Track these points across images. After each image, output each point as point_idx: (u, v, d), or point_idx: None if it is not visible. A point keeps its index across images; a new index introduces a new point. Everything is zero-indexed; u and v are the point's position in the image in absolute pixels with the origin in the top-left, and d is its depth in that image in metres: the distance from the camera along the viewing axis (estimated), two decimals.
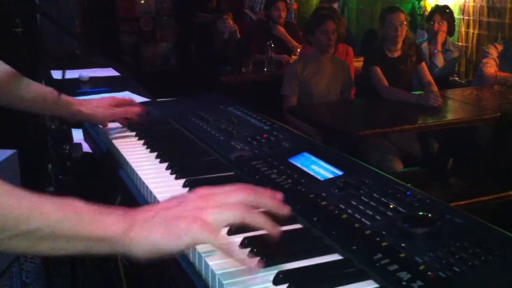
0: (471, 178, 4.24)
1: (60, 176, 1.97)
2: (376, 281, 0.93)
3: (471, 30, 6.03)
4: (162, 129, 1.86)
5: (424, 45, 5.06)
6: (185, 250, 0.92)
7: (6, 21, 3.00)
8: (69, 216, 0.86)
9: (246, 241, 1.02)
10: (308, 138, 1.67)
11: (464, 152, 4.34)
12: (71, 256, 0.89)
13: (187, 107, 2.02)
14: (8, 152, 3.25)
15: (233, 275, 0.93)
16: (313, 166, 1.38)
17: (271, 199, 0.98)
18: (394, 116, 3.96)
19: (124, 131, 1.82)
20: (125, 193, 1.49)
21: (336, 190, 1.24)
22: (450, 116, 3.93)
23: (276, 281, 0.92)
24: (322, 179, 1.31)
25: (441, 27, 5.02)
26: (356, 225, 1.08)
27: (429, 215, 1.06)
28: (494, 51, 4.81)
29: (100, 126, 1.84)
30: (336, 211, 1.14)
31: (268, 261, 0.97)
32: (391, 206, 1.13)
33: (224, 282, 0.92)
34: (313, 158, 1.43)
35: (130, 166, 1.52)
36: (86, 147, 2.07)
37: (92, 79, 3.35)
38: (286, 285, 0.91)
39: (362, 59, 5.20)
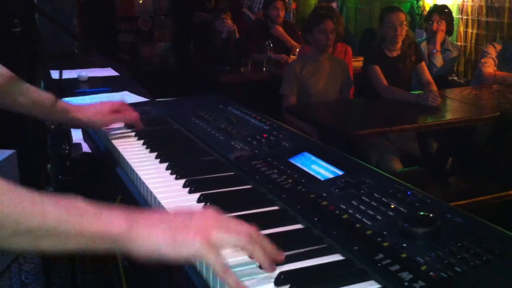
0: (470, 177, 4.24)
1: (60, 176, 1.97)
2: (378, 281, 0.93)
3: (469, 30, 6.03)
4: (162, 129, 1.86)
5: (423, 45, 5.06)
6: (183, 260, 0.92)
7: (5, 21, 2.99)
8: (71, 214, 0.86)
9: None
10: (308, 138, 1.67)
11: (463, 152, 4.34)
12: (73, 253, 0.88)
13: (187, 107, 2.02)
14: (7, 152, 3.25)
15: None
16: (313, 166, 1.38)
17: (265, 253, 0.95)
18: (393, 115, 3.96)
19: (123, 131, 1.82)
20: (125, 193, 1.49)
21: (337, 190, 1.24)
22: (449, 116, 3.93)
23: (277, 282, 0.92)
24: (322, 179, 1.31)
25: (440, 26, 5.01)
26: (357, 225, 1.08)
27: (430, 215, 1.06)
28: (493, 51, 4.81)
29: None
30: (337, 211, 1.14)
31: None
32: (392, 206, 1.13)
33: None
34: (313, 158, 1.43)
35: (130, 166, 1.52)
36: (85, 147, 2.07)
37: (91, 79, 3.34)
38: (288, 286, 0.91)
39: (360, 58, 5.20)
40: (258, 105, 2.22)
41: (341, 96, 4.50)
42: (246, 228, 0.95)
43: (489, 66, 4.74)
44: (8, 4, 3.15)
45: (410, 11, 6.73)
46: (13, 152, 3.27)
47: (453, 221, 1.06)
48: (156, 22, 7.62)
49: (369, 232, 1.05)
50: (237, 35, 6.06)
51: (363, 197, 1.18)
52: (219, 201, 1.22)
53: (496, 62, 4.77)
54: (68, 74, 3.30)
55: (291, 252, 1.01)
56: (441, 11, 5.10)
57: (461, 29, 6.12)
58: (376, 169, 1.37)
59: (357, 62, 5.26)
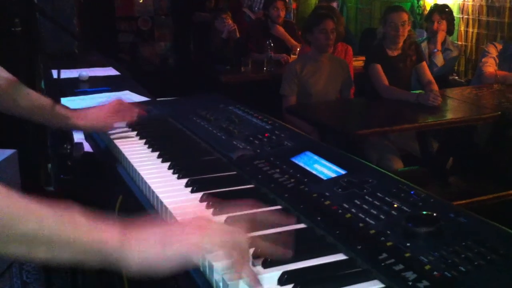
0: (471, 177, 4.24)
1: (61, 176, 1.96)
2: (382, 281, 0.92)
3: (470, 29, 6.02)
4: (163, 128, 1.85)
5: (424, 44, 5.06)
6: (176, 272, 0.92)
7: (5, 20, 2.99)
8: (66, 221, 0.86)
9: None
10: (310, 137, 1.67)
11: (463, 151, 4.33)
12: (68, 265, 0.88)
13: (188, 107, 2.01)
14: (8, 152, 3.24)
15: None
16: (316, 165, 1.38)
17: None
18: (393, 115, 3.96)
19: (125, 131, 1.81)
20: (127, 192, 1.48)
21: (340, 190, 1.23)
22: (449, 115, 3.92)
23: (281, 281, 0.92)
24: (325, 178, 1.31)
25: (441, 26, 5.01)
26: (360, 224, 1.08)
27: (434, 214, 1.05)
28: (493, 50, 4.80)
29: None
30: (340, 211, 1.14)
31: (272, 262, 0.97)
32: (395, 206, 1.12)
33: (229, 282, 0.91)
34: (316, 157, 1.42)
35: (132, 166, 1.51)
36: (87, 147, 2.06)
37: (92, 79, 3.34)
38: (291, 285, 0.91)
39: (361, 58, 5.19)
40: (258, 105, 2.21)
41: (341, 96, 4.49)
42: (232, 243, 0.94)
43: (490, 66, 4.74)
44: (8, 4, 3.15)
45: (411, 10, 6.73)
46: (14, 152, 3.26)
47: (457, 220, 1.06)
48: (156, 22, 7.61)
49: (372, 231, 1.04)
50: (238, 35, 6.05)
51: (366, 197, 1.18)
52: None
53: (497, 61, 4.77)
54: (69, 73, 3.29)
55: (294, 252, 1.01)
56: (442, 10, 5.10)
57: (462, 28, 6.12)
58: (379, 168, 1.37)
59: (358, 62, 5.25)
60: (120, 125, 1.82)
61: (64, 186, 1.95)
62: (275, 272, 0.94)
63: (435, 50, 5.03)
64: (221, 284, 0.94)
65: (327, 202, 1.18)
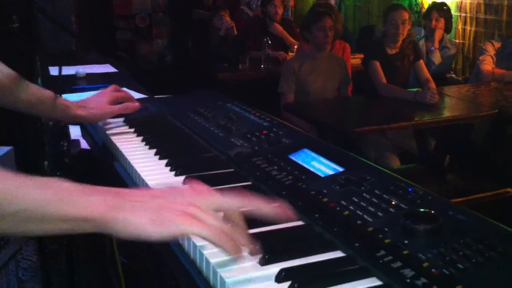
0: (468, 175, 4.25)
1: (58, 173, 1.96)
2: (380, 278, 0.92)
3: (468, 27, 6.03)
4: (161, 125, 1.85)
5: (421, 42, 5.07)
6: (171, 239, 0.92)
7: (3, 17, 2.98)
8: (54, 197, 0.86)
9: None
10: (308, 135, 1.66)
11: (461, 149, 4.34)
12: (60, 234, 0.89)
13: (186, 104, 2.01)
14: (4, 149, 3.23)
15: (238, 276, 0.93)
16: (314, 163, 1.38)
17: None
18: (391, 113, 3.96)
19: (122, 127, 1.81)
20: None
21: (337, 187, 1.23)
22: (447, 113, 3.93)
23: (278, 279, 0.91)
24: (322, 175, 1.30)
25: (438, 24, 5.02)
26: (358, 222, 1.07)
27: (432, 211, 1.05)
28: (491, 48, 4.81)
29: (99, 123, 1.83)
30: (338, 208, 1.13)
31: (270, 259, 0.96)
32: (393, 203, 1.12)
33: (227, 281, 0.91)
34: (313, 154, 1.42)
35: (129, 163, 1.51)
36: (84, 144, 2.06)
37: (89, 76, 3.34)
38: (289, 282, 0.90)
39: (359, 55, 5.20)
40: (256, 102, 2.21)
41: (339, 93, 4.50)
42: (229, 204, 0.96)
43: (488, 64, 4.75)
44: (6, 0, 3.14)
45: (409, 8, 6.74)
46: (10, 149, 3.25)
47: (455, 218, 1.06)
48: (154, 19, 7.61)
49: (370, 229, 1.04)
50: (235, 32, 6.05)
51: (364, 194, 1.18)
52: None
53: (495, 59, 4.78)
54: (66, 70, 3.29)
55: (291, 249, 1.00)
56: (440, 8, 5.11)
57: (460, 26, 6.13)
58: (377, 166, 1.37)
59: (355, 60, 5.26)
60: (117, 120, 1.82)
61: None
62: (273, 269, 0.94)
63: (433, 48, 5.03)
64: (218, 282, 0.93)
65: (325, 200, 1.18)
